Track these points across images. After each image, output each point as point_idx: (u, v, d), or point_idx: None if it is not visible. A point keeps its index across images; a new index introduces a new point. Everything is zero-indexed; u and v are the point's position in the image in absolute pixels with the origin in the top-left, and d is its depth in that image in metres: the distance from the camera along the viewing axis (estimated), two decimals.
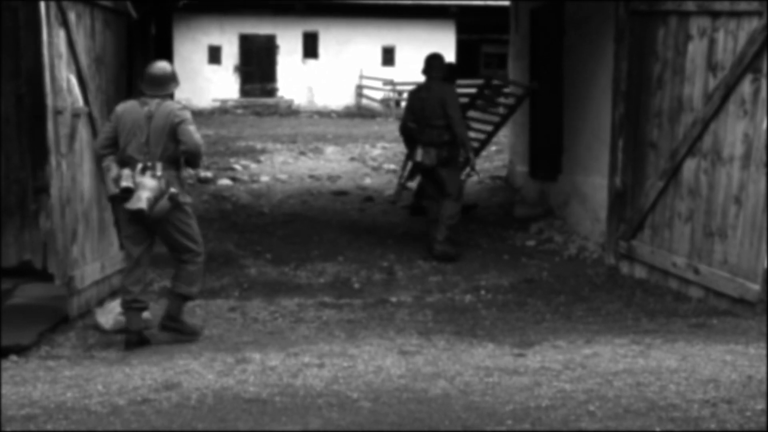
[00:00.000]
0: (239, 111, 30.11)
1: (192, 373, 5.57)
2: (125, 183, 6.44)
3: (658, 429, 4.48)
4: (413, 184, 11.52)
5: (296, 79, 31.94)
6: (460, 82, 12.10)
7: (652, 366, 5.56)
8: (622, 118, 8.65)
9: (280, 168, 16.92)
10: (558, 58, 11.27)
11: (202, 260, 6.84)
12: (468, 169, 10.05)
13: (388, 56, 32.25)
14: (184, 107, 6.75)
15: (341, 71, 31.89)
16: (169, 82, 6.74)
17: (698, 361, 5.64)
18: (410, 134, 9.79)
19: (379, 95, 30.99)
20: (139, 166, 6.49)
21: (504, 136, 16.46)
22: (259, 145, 19.69)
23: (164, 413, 4.81)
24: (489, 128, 13.16)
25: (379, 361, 5.81)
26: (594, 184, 9.99)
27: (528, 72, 12.76)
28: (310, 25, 31.73)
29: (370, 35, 31.91)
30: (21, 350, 6.39)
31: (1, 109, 8.05)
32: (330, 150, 19.48)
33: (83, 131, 7.42)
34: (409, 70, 30.05)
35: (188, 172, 6.85)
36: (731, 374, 5.32)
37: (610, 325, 7.06)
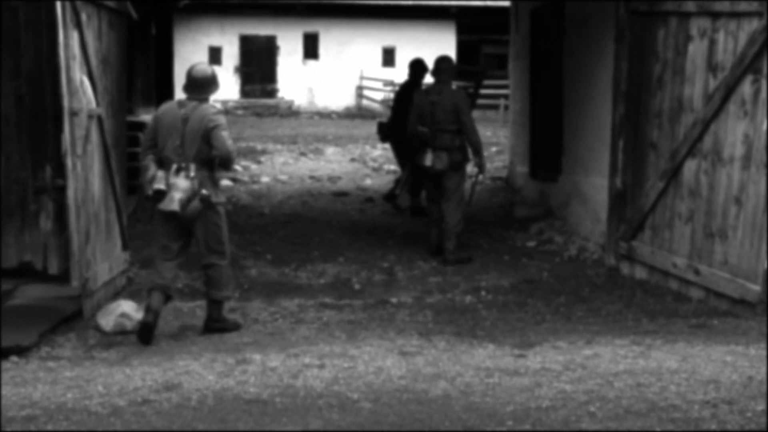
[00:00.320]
0: (239, 112, 30.12)
1: (192, 374, 5.56)
2: (157, 185, 6.70)
3: (658, 430, 4.48)
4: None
5: (296, 79, 31.96)
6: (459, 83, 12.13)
7: (652, 367, 5.56)
8: (622, 119, 8.65)
9: (280, 169, 16.92)
10: (558, 58, 11.27)
11: (226, 264, 7.05)
12: (478, 174, 9.96)
13: (389, 57, 32.26)
14: (219, 111, 6.90)
15: (342, 72, 31.90)
16: (209, 85, 6.95)
17: (699, 362, 5.64)
18: (421, 139, 9.53)
19: (379, 96, 30.98)
20: (174, 166, 6.71)
21: (504, 136, 16.46)
22: (259, 146, 19.70)
23: (165, 414, 4.81)
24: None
25: (379, 362, 5.81)
26: (594, 184, 9.98)
27: (528, 72, 12.77)
28: (311, 26, 31.75)
29: (371, 36, 31.93)
30: (21, 351, 6.39)
31: (1, 109, 8.06)
32: (330, 151, 19.49)
33: (94, 132, 7.43)
34: None
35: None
36: (732, 375, 5.32)
37: (610, 325, 7.05)
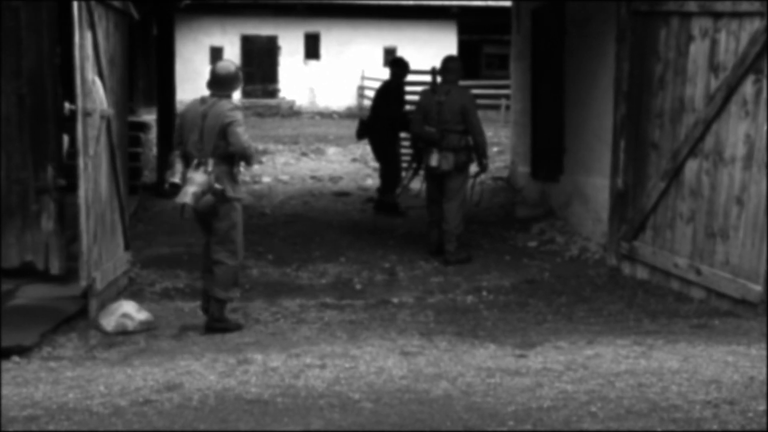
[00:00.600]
0: None
1: (194, 374, 5.56)
2: (172, 179, 6.97)
3: (659, 430, 4.48)
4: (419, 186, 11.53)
5: (298, 80, 31.95)
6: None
7: (653, 367, 5.55)
8: (623, 119, 8.64)
9: (281, 169, 16.93)
10: (559, 58, 11.27)
11: (234, 264, 7.13)
12: (478, 174, 9.97)
13: (390, 57, 32.24)
14: (236, 108, 7.02)
15: (343, 72, 31.89)
16: (232, 81, 7.08)
17: (700, 362, 5.63)
18: (429, 139, 9.50)
19: None
20: (195, 161, 6.89)
21: (506, 137, 16.47)
22: (260, 146, 19.69)
23: (166, 414, 4.81)
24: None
25: (380, 362, 5.81)
26: (595, 184, 9.98)
27: (529, 72, 12.77)
28: (312, 26, 31.74)
29: (372, 36, 31.91)
30: (23, 351, 6.39)
31: (3, 109, 8.06)
32: (332, 151, 19.50)
33: (103, 133, 7.44)
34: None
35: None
36: (733, 375, 5.31)
37: (611, 325, 7.05)
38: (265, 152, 18.80)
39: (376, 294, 8.41)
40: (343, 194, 13.85)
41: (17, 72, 8.06)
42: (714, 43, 7.41)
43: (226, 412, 4.82)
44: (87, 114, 7.03)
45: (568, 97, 11.06)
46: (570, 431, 4.50)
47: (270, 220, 11.75)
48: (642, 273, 8.40)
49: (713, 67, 7.42)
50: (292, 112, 30.90)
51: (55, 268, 8.19)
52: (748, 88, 7.03)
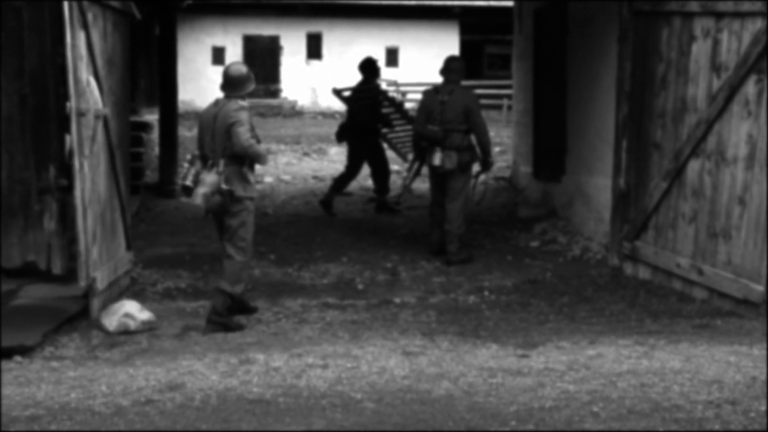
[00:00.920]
0: None
1: (196, 374, 5.57)
2: (183, 181, 7.12)
3: (661, 430, 4.48)
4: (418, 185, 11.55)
5: (300, 79, 31.94)
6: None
7: (655, 367, 5.55)
8: (625, 119, 8.64)
9: (283, 169, 16.94)
10: (562, 58, 11.27)
11: (243, 260, 7.26)
12: (480, 173, 9.97)
13: (392, 57, 32.21)
14: (241, 108, 7.18)
15: (345, 72, 31.85)
16: (244, 83, 7.31)
17: (702, 362, 5.63)
18: (432, 138, 9.48)
19: None
20: (209, 162, 7.10)
21: (508, 137, 16.47)
22: (262, 146, 19.68)
23: (168, 414, 4.81)
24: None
25: (382, 362, 5.81)
26: (597, 184, 9.98)
27: (532, 72, 12.77)
28: (314, 26, 31.73)
29: (374, 36, 31.88)
30: (25, 351, 6.40)
31: (5, 109, 8.06)
32: (334, 151, 19.49)
33: (100, 133, 7.44)
34: (413, 71, 30.05)
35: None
36: (735, 375, 5.31)
37: (613, 325, 7.05)
38: (267, 152, 18.80)
39: (378, 294, 8.41)
40: (344, 194, 13.83)
41: (19, 72, 8.07)
42: (716, 43, 7.41)
43: (228, 412, 4.82)
44: (81, 114, 7.03)
45: (571, 97, 11.06)
46: (572, 431, 4.50)
47: (272, 220, 11.75)
48: (644, 273, 8.39)
49: (715, 67, 7.42)
50: (294, 112, 30.89)
51: (57, 267, 8.20)
52: (750, 88, 7.02)
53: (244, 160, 7.12)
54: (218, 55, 31.18)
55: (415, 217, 11.71)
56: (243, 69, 7.39)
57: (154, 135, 14.94)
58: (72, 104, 6.98)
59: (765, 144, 6.85)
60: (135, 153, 11.93)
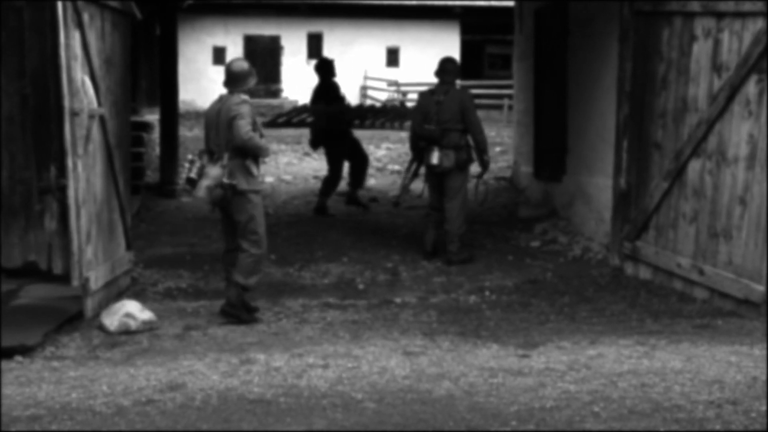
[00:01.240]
0: None
1: (196, 374, 5.57)
2: (189, 174, 7.28)
3: (662, 430, 4.48)
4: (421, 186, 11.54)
5: (300, 79, 31.91)
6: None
7: (656, 367, 5.55)
8: (626, 119, 8.64)
9: (284, 169, 16.94)
10: (562, 58, 11.27)
11: (257, 253, 7.37)
12: (481, 174, 9.97)
13: (393, 57, 32.24)
14: (243, 101, 7.33)
15: (345, 72, 31.81)
16: (245, 78, 7.48)
17: (703, 362, 5.63)
18: (430, 137, 9.50)
19: (383, 96, 30.96)
20: (215, 156, 7.24)
21: (508, 137, 16.47)
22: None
23: (169, 414, 4.82)
24: None
25: (383, 362, 5.81)
26: (598, 184, 9.98)
27: (532, 72, 12.77)
28: (315, 26, 31.74)
29: (375, 36, 31.90)
30: (26, 351, 6.39)
31: (6, 109, 8.06)
32: None
33: (96, 132, 7.44)
34: (414, 71, 30.06)
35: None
36: (736, 375, 5.31)
37: (614, 325, 7.05)
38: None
39: (378, 294, 8.41)
40: (345, 194, 13.83)
41: (20, 72, 8.07)
42: (717, 43, 7.41)
43: (229, 412, 4.83)
44: (74, 114, 7.04)
45: (571, 97, 11.06)
46: (573, 431, 4.50)
47: (273, 220, 11.74)
48: (645, 273, 8.39)
49: (716, 67, 7.42)
50: None
51: (58, 267, 8.19)
52: (751, 88, 7.02)
53: (247, 153, 7.23)
54: (219, 55, 31.18)
55: (415, 217, 11.70)
56: (245, 64, 7.57)
57: (155, 135, 14.95)
58: (65, 104, 6.99)
59: (766, 144, 6.84)
60: (136, 153, 11.92)
